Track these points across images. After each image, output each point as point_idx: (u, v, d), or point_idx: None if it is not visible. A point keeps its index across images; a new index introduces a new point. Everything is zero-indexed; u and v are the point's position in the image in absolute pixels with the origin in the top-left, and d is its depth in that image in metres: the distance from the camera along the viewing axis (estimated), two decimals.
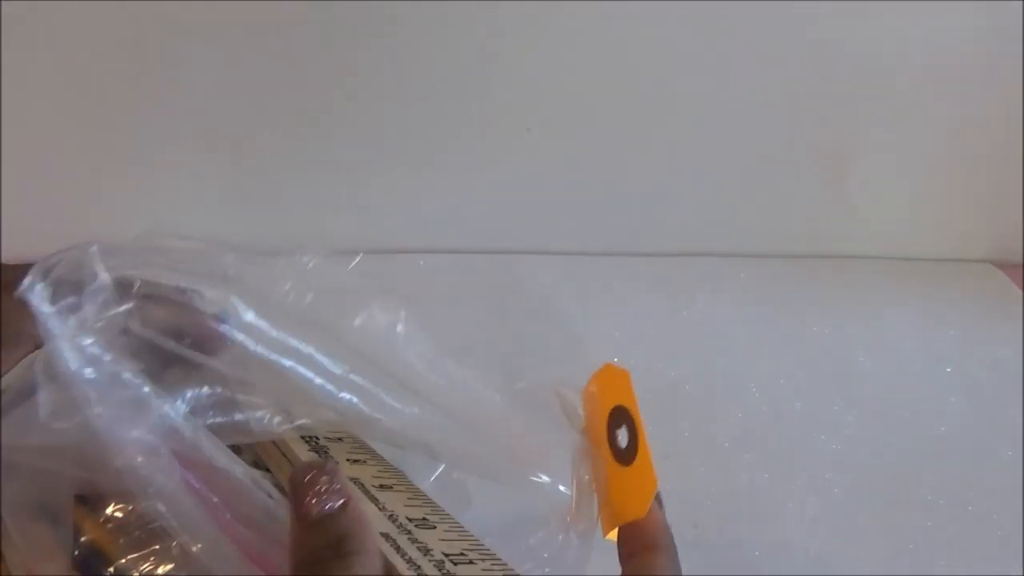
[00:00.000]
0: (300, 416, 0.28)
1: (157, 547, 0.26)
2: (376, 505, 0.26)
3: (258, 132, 0.60)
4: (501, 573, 0.24)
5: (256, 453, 0.29)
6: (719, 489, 0.44)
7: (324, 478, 0.23)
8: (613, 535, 0.28)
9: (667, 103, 0.57)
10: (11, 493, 0.26)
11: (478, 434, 0.30)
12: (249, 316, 0.27)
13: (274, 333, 0.28)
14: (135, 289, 0.27)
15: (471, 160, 0.60)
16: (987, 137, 0.57)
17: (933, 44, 0.54)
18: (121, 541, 0.26)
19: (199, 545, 0.24)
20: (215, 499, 0.25)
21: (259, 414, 0.28)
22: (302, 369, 0.28)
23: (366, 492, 0.27)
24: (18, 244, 0.51)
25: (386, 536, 0.24)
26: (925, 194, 0.60)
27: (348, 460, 0.29)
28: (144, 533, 0.26)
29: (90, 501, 0.27)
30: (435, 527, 0.26)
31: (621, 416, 0.29)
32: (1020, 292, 0.58)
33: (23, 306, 0.24)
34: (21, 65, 0.54)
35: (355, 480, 0.27)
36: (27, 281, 0.25)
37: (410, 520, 0.25)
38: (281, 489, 0.26)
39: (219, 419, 0.27)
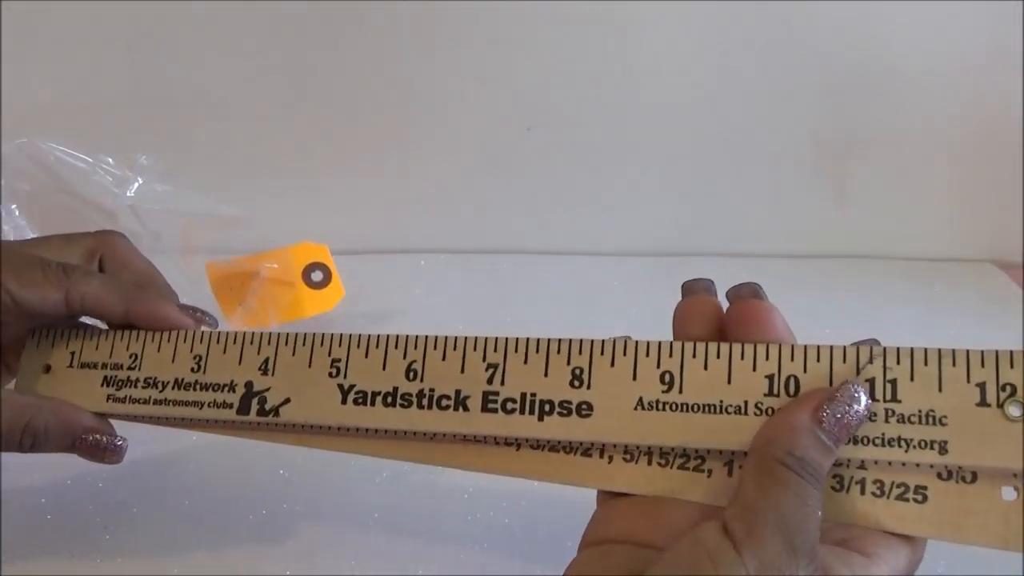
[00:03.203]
0: None
1: None
2: None
3: (257, 130, 0.60)
4: None
5: None
6: None
7: None
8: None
9: (667, 103, 0.57)
10: None
11: None
12: None
13: None
14: None
15: (471, 160, 0.60)
16: (987, 137, 0.57)
17: (933, 44, 0.54)
18: None
19: None
20: None
21: None
22: None
23: None
24: None
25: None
26: (925, 194, 0.60)
27: None
28: None
29: None
30: None
31: (316, 265, 0.51)
32: (1020, 292, 0.58)
33: None
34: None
35: None
36: None
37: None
38: None
39: None
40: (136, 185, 0.50)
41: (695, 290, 0.27)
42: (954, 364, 0.23)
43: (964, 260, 0.62)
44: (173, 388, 0.31)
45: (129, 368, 0.31)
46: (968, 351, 0.23)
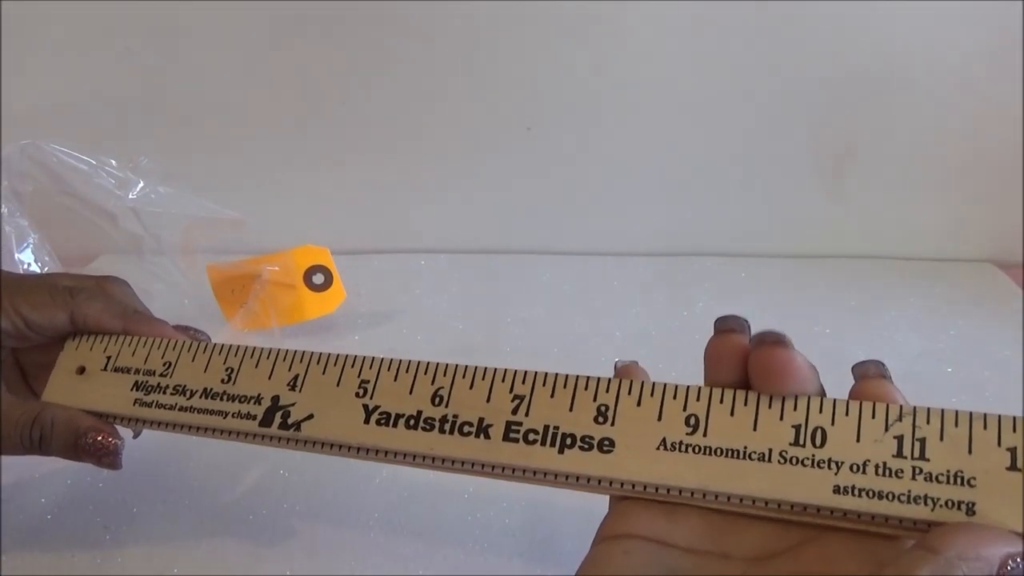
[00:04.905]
0: None
1: None
2: None
3: (258, 132, 0.60)
4: None
5: None
6: None
7: None
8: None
9: (667, 102, 0.57)
10: None
11: None
12: None
13: None
14: None
15: (471, 160, 0.60)
16: (987, 137, 0.57)
17: (933, 44, 0.54)
18: None
19: None
20: None
21: None
22: None
23: None
24: None
25: None
26: (925, 194, 0.60)
27: None
28: None
29: None
30: None
31: (318, 267, 0.52)
32: (1020, 292, 0.58)
33: None
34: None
35: None
36: None
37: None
38: None
39: None
40: (138, 187, 0.51)
41: (728, 328, 0.27)
42: (985, 428, 0.23)
43: (964, 260, 0.62)
44: (201, 397, 0.31)
45: (161, 375, 0.32)
46: (1000, 416, 0.23)
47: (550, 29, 0.55)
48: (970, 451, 0.23)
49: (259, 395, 0.30)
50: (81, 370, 0.33)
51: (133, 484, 0.40)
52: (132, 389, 0.32)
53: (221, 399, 0.31)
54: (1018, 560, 0.22)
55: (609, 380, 0.27)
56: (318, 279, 0.52)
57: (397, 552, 0.36)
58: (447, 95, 0.57)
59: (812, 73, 0.55)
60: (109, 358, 0.33)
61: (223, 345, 0.32)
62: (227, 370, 0.31)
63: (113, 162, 0.50)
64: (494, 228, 0.64)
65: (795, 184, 0.60)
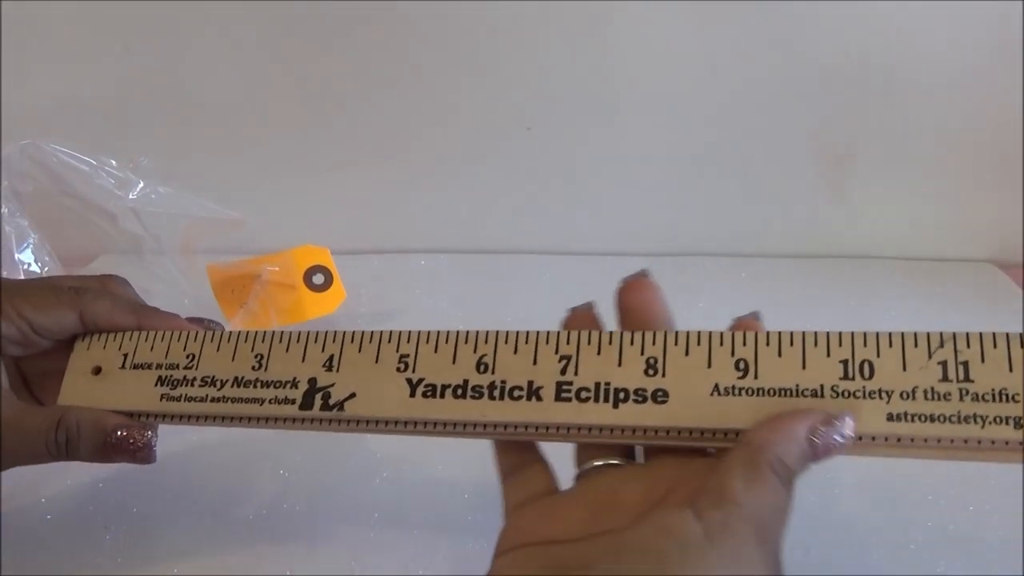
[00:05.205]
0: None
1: None
2: None
3: (258, 132, 0.60)
4: None
5: None
6: None
7: None
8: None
9: (667, 102, 0.57)
10: None
11: None
12: None
13: None
14: None
15: (471, 160, 0.60)
16: (987, 137, 0.57)
17: (933, 44, 0.54)
18: None
19: None
20: None
21: None
22: None
23: None
24: None
25: None
26: (925, 194, 0.60)
27: None
28: None
29: None
30: None
31: (318, 267, 0.51)
32: (1020, 292, 0.58)
33: None
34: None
35: None
36: None
37: None
38: None
39: None
40: (138, 188, 0.50)
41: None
42: (1022, 346, 0.24)
43: (964, 260, 0.62)
44: (232, 386, 0.30)
45: (186, 367, 0.31)
46: None
47: (550, 29, 0.54)
48: (1010, 368, 0.24)
49: (294, 379, 0.30)
50: (97, 370, 0.32)
51: (133, 484, 0.40)
52: (156, 384, 0.31)
53: (255, 386, 0.30)
54: (820, 429, 0.24)
55: (655, 333, 0.28)
56: (318, 279, 0.52)
57: (397, 552, 0.36)
58: (447, 95, 0.57)
59: (813, 73, 0.55)
60: (126, 355, 0.32)
61: (247, 332, 0.31)
62: (256, 356, 0.30)
63: (113, 162, 0.50)
64: (494, 228, 0.64)
65: (795, 184, 0.60)
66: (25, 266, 0.50)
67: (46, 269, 0.50)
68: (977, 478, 0.43)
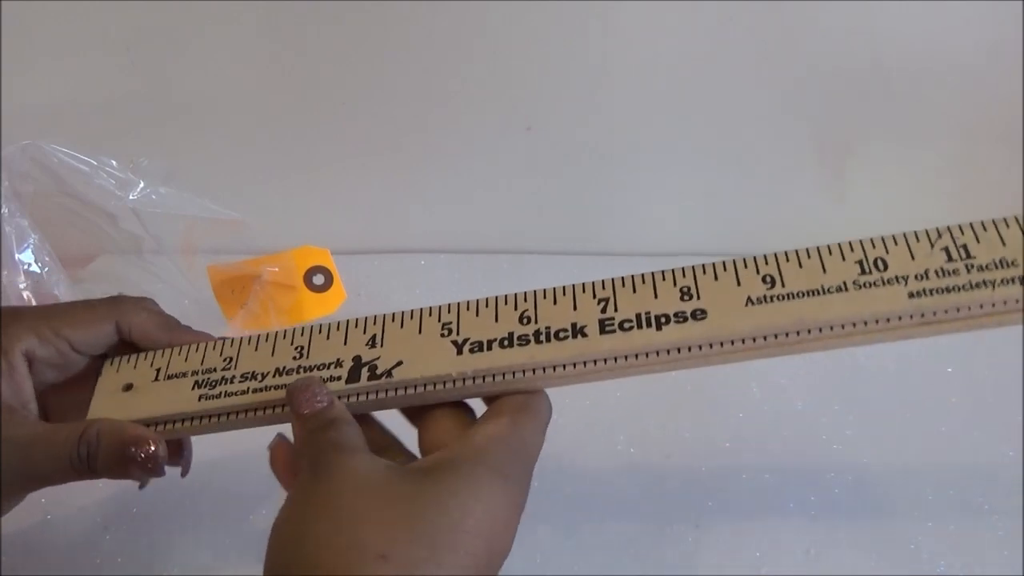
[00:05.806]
0: None
1: None
2: None
3: (258, 132, 0.60)
4: None
5: None
6: (720, 489, 0.44)
7: (315, 387, 0.29)
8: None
9: (667, 102, 0.57)
10: None
11: None
12: None
13: None
14: None
15: (471, 160, 0.60)
16: (987, 137, 0.57)
17: (933, 43, 0.54)
18: None
19: None
20: None
21: None
22: None
23: None
24: None
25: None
26: (925, 194, 0.60)
27: None
28: None
29: None
30: None
31: (318, 268, 0.52)
32: None
33: None
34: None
35: None
36: None
37: None
38: None
39: None
40: (138, 188, 0.50)
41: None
42: (1008, 226, 0.29)
43: None
44: (275, 376, 0.30)
45: (224, 369, 0.31)
46: (1016, 216, 0.29)
47: (550, 29, 0.54)
48: (1003, 243, 0.28)
49: (338, 359, 0.30)
50: (128, 387, 0.32)
51: (133, 484, 0.40)
52: (193, 388, 0.31)
53: (298, 372, 0.30)
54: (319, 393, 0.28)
55: (684, 268, 0.30)
56: (318, 280, 0.52)
57: None
58: (447, 95, 0.57)
59: (813, 72, 0.55)
60: (159, 370, 0.32)
61: (285, 329, 0.31)
62: (297, 348, 0.31)
63: (114, 163, 0.50)
64: (494, 228, 0.64)
65: (795, 183, 0.60)
66: (25, 266, 0.50)
67: (46, 269, 0.50)
68: (977, 478, 0.43)
